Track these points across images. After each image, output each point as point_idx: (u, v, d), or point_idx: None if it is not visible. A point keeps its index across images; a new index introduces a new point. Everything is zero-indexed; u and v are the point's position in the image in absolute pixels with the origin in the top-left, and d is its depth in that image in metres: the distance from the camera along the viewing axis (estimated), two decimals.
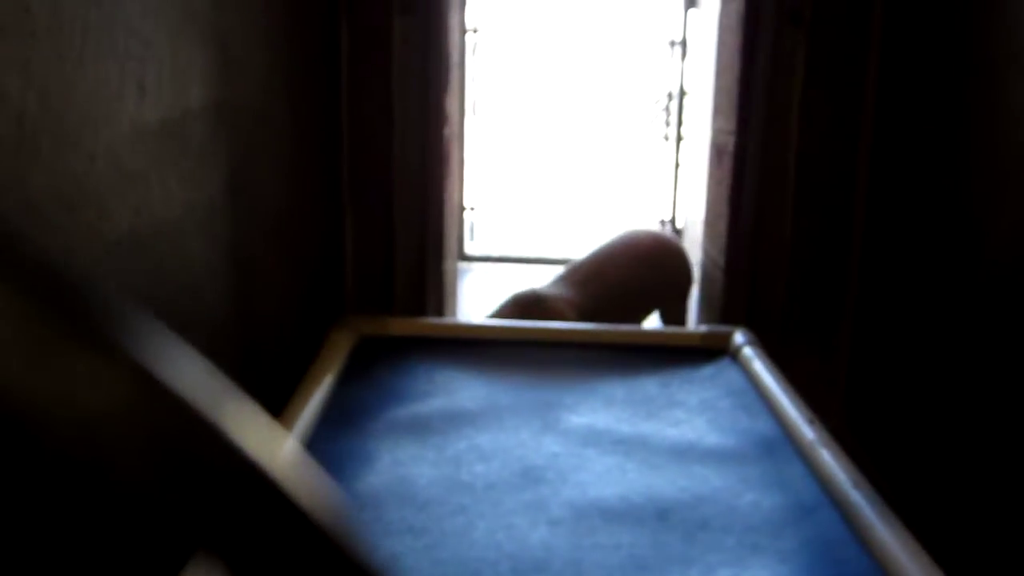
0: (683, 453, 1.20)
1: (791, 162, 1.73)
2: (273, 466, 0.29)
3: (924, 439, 1.58)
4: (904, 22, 1.66)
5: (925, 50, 1.64)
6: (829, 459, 1.12)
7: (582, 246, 2.31)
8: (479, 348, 1.57)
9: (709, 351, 1.56)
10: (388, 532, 0.99)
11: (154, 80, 0.97)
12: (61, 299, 0.27)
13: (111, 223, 0.89)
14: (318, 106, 1.68)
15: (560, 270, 2.08)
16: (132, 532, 0.28)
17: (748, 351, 1.51)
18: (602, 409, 1.34)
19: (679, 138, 3.85)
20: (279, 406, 1.23)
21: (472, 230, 3.98)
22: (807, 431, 1.20)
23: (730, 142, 1.81)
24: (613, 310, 1.90)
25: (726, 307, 1.82)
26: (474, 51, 3.88)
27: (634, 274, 2.03)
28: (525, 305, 1.82)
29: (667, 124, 4.20)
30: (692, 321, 2.19)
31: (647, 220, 4.27)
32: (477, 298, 3.13)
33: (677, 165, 3.86)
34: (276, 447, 0.31)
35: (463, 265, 3.59)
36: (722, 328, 1.64)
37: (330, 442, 1.20)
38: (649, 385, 1.43)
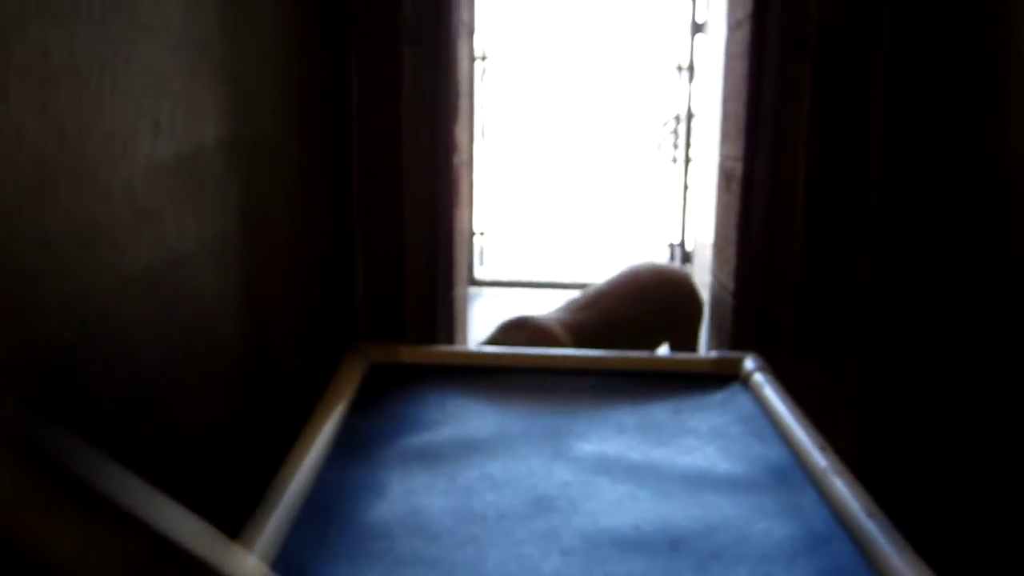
0: (695, 481, 1.20)
1: (799, 188, 1.74)
2: None
3: (936, 464, 1.57)
4: (910, 46, 1.67)
5: (932, 74, 1.65)
6: (842, 487, 1.12)
7: (591, 269, 2.32)
8: (490, 375, 1.57)
9: (720, 377, 1.56)
10: (400, 563, 0.99)
11: (169, 117, 0.98)
12: (39, 454, 0.27)
13: (127, 259, 0.90)
14: (329, 137, 1.70)
15: (565, 299, 2.10)
16: None
17: (759, 377, 1.51)
18: (613, 437, 1.34)
19: (687, 161, 3.87)
20: (291, 435, 1.24)
21: (482, 255, 3.99)
22: (819, 458, 1.20)
23: (738, 168, 1.81)
24: (613, 338, 1.91)
25: (736, 332, 1.82)
26: (483, 77, 3.91)
27: (635, 305, 2.02)
28: (510, 328, 1.83)
29: (675, 147, 4.21)
30: (702, 347, 2.19)
31: (656, 243, 4.27)
32: (487, 323, 3.14)
33: (686, 188, 3.88)
34: None
35: (473, 290, 3.60)
36: (732, 354, 1.64)
37: (342, 472, 1.20)
38: (660, 412, 1.44)
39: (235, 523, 0.97)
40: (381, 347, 1.64)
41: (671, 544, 1.03)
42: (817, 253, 1.75)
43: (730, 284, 1.86)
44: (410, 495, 1.14)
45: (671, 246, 3.96)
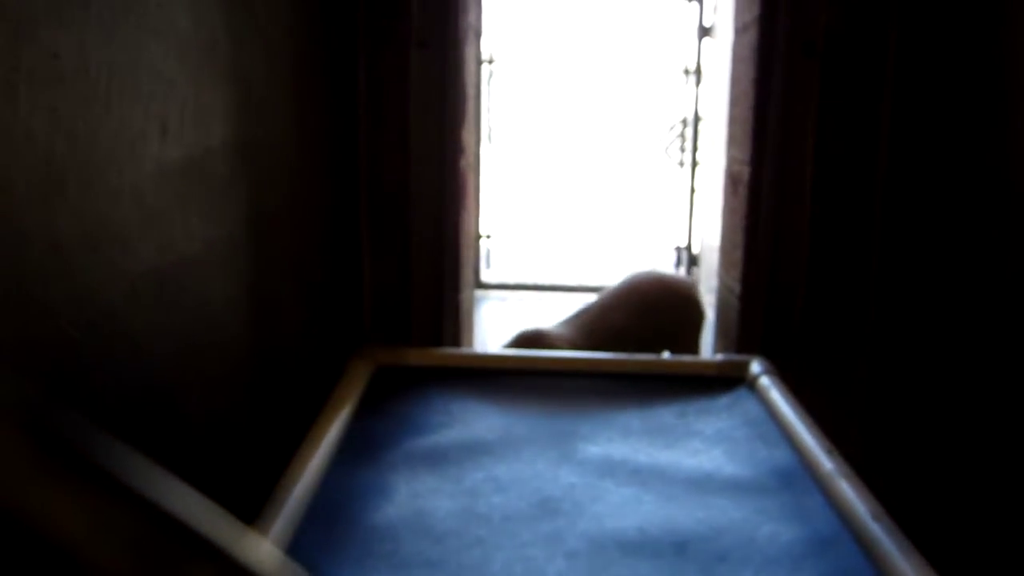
0: (701, 484, 1.20)
1: (806, 191, 1.74)
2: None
3: (942, 467, 1.56)
4: (919, 50, 1.66)
5: (940, 78, 1.64)
6: (848, 490, 1.12)
7: (598, 273, 2.31)
8: (496, 378, 1.57)
9: (726, 380, 1.56)
10: (405, 565, 0.99)
11: (177, 120, 0.99)
12: (45, 430, 0.28)
13: (135, 260, 0.90)
14: (336, 139, 1.70)
15: (571, 302, 2.08)
16: None
17: (765, 380, 1.51)
18: (619, 439, 1.34)
19: (694, 164, 3.87)
20: (297, 436, 1.24)
21: (488, 258, 3.99)
22: (825, 461, 1.20)
23: (745, 172, 1.81)
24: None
25: (742, 336, 1.82)
26: (490, 80, 3.92)
27: (638, 319, 2.00)
28: (524, 343, 1.82)
29: (682, 150, 4.22)
30: (708, 350, 2.19)
31: (663, 247, 4.27)
32: (493, 326, 3.14)
33: (692, 191, 3.87)
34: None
35: (479, 293, 3.60)
36: (739, 357, 1.64)
37: (348, 474, 1.20)
38: (666, 415, 1.43)
39: (242, 524, 0.98)
40: (387, 349, 1.64)
41: (677, 547, 1.03)
42: (824, 257, 1.75)
43: (736, 288, 1.86)
44: (416, 497, 1.14)
45: (678, 249, 3.96)
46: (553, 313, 2.05)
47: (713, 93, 3.61)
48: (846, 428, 1.67)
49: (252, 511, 1.02)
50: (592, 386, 1.55)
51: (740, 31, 1.93)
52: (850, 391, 1.77)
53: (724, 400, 1.49)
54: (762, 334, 1.80)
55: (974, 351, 1.50)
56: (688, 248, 3.89)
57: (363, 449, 1.28)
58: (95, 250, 0.83)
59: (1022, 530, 1.30)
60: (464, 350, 1.93)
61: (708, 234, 3.56)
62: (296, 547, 1.01)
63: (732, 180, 1.92)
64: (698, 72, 3.78)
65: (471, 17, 2.03)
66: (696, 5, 3.69)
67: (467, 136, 1.95)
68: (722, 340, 1.99)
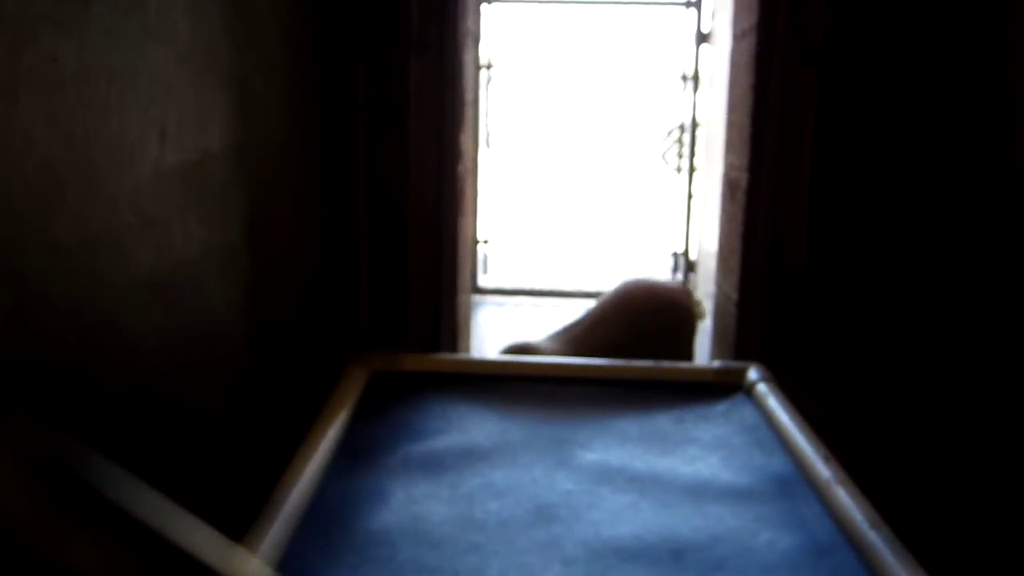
0: (698, 491, 1.19)
1: (804, 198, 1.74)
2: None
3: (939, 475, 1.56)
4: (916, 57, 1.67)
5: (937, 84, 1.65)
6: (846, 498, 1.11)
7: (595, 278, 2.31)
8: (492, 384, 1.57)
9: (723, 387, 1.56)
10: (402, 571, 0.99)
11: (175, 124, 0.99)
12: (58, 466, 0.28)
13: (133, 265, 0.90)
14: (334, 144, 1.70)
15: (568, 307, 2.08)
16: None
17: (762, 387, 1.51)
18: (616, 446, 1.34)
19: (691, 170, 3.87)
20: (294, 442, 1.24)
21: (485, 263, 3.99)
22: (823, 469, 1.20)
23: (743, 178, 1.82)
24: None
25: (739, 342, 1.82)
26: (488, 86, 3.92)
27: (629, 332, 1.98)
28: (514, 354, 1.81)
29: (680, 156, 4.22)
30: (705, 356, 2.19)
31: (660, 252, 4.28)
32: (491, 331, 3.14)
33: (690, 197, 3.88)
34: None
35: (476, 298, 3.60)
36: (736, 364, 1.64)
37: (344, 479, 1.20)
38: (663, 421, 1.43)
39: (238, 529, 0.98)
40: (384, 355, 1.64)
41: (673, 554, 1.03)
42: (821, 264, 1.75)
43: (734, 294, 1.86)
44: (412, 503, 1.14)
45: (675, 255, 3.96)
46: (550, 319, 2.04)
47: (711, 99, 3.61)
48: (843, 435, 1.67)
49: (249, 516, 1.02)
50: (589, 393, 1.55)
51: (738, 37, 1.93)
52: (847, 398, 1.77)
53: (721, 407, 1.49)
54: (759, 341, 1.80)
55: (971, 359, 1.51)
56: (685, 254, 3.89)
57: (360, 454, 1.28)
58: (93, 254, 0.83)
59: (1018, 537, 1.30)
60: (461, 356, 1.93)
61: (705, 240, 3.56)
62: (292, 552, 1.00)
63: (730, 186, 1.93)
64: (696, 78, 3.79)
65: (470, 22, 2.03)
66: (694, 11, 3.70)
67: (465, 141, 1.95)
68: (719, 347, 1.99)
